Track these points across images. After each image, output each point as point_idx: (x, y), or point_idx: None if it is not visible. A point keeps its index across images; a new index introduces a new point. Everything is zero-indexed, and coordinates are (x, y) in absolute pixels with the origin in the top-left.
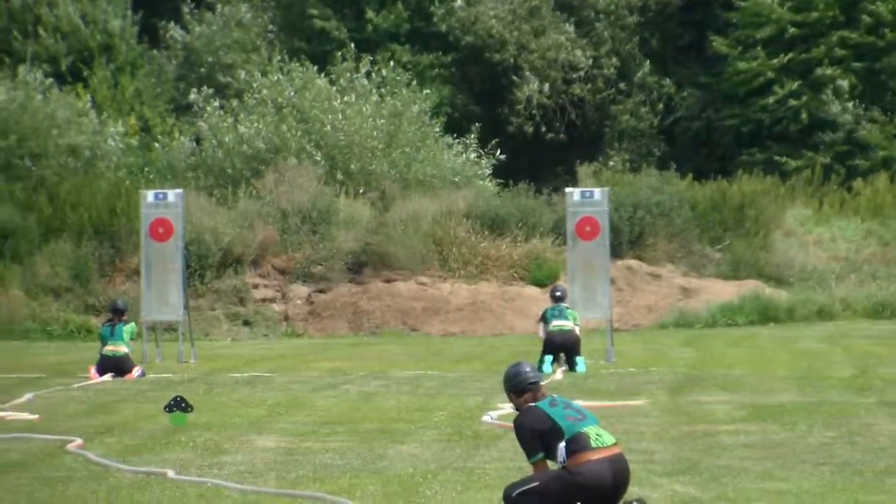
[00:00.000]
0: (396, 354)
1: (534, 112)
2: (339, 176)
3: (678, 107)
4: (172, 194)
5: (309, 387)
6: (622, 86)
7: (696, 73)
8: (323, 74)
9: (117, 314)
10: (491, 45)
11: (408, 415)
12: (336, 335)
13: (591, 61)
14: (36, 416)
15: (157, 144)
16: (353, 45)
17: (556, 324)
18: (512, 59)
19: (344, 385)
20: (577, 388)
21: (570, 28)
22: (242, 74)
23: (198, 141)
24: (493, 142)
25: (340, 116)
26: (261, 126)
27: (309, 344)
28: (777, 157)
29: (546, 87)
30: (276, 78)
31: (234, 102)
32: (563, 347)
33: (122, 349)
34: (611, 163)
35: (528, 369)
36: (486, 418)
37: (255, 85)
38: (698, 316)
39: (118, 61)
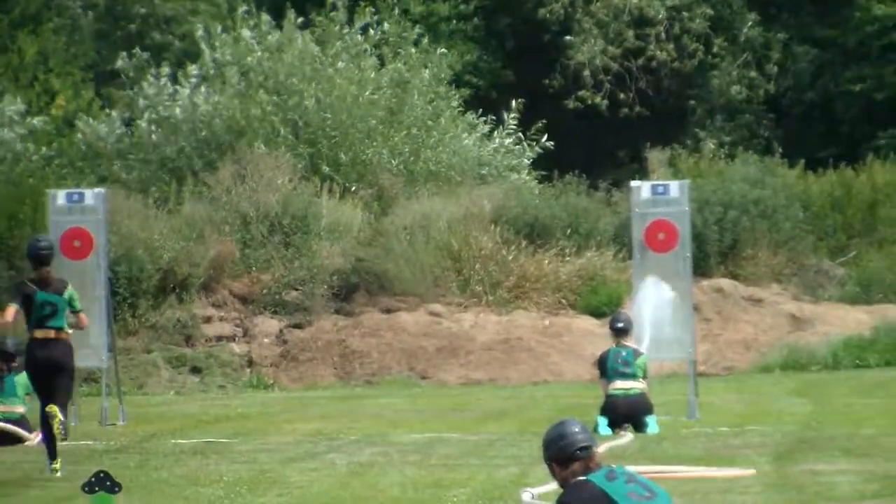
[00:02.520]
0: (400, 411)
1: (593, 80)
2: (325, 168)
3: (786, 72)
4: (91, 194)
5: (281, 457)
6: (716, 44)
7: (807, 23)
8: (303, 30)
9: (5, 360)
10: None
11: (416, 494)
12: (318, 385)
13: (670, 13)
14: None
15: (79, 123)
16: None
17: (619, 386)
18: (562, 11)
19: (328, 454)
20: (647, 453)
21: None
22: (199, 30)
23: (128, 123)
24: (540, 123)
25: (327, 86)
26: (218, 99)
27: (281, 398)
28: None
29: (610, 48)
30: (242, 34)
31: (189, 69)
32: (627, 417)
33: (18, 409)
34: (710, 145)
35: (576, 429)
36: (525, 496)
37: (210, 45)
38: (814, 354)
39: (13, 13)
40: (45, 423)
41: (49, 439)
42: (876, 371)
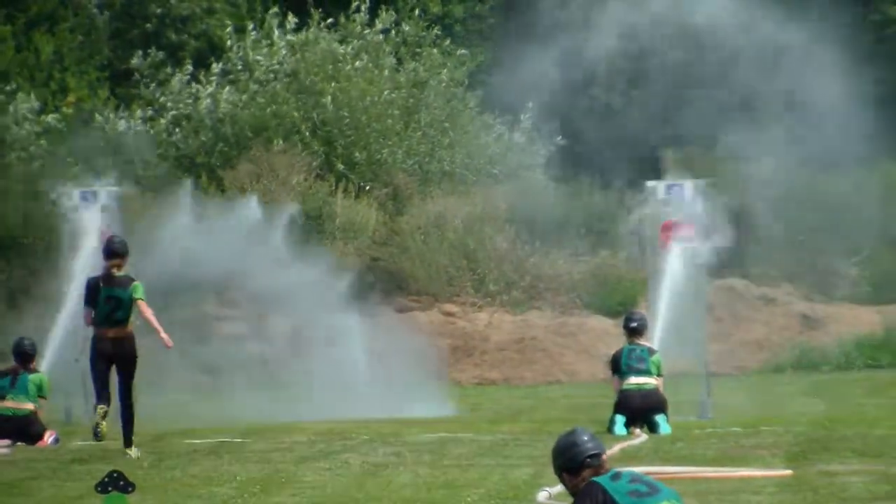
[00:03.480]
0: (414, 410)
1: (608, 78)
2: (341, 167)
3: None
4: (105, 193)
5: (294, 456)
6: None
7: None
8: (324, 29)
9: (23, 360)
10: None
11: (429, 494)
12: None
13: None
14: None
15: (98, 119)
16: None
17: (634, 381)
18: (577, 9)
19: (342, 454)
20: (661, 454)
21: None
22: (228, 27)
23: (147, 121)
24: (554, 122)
25: (346, 85)
26: (242, 97)
27: (295, 397)
28: None
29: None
30: (273, 33)
31: (212, 67)
32: (642, 411)
33: (27, 406)
34: (724, 144)
35: (585, 437)
36: (542, 495)
37: (239, 43)
38: (827, 355)
39: (30, 12)
40: (123, 414)
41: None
42: (888, 371)
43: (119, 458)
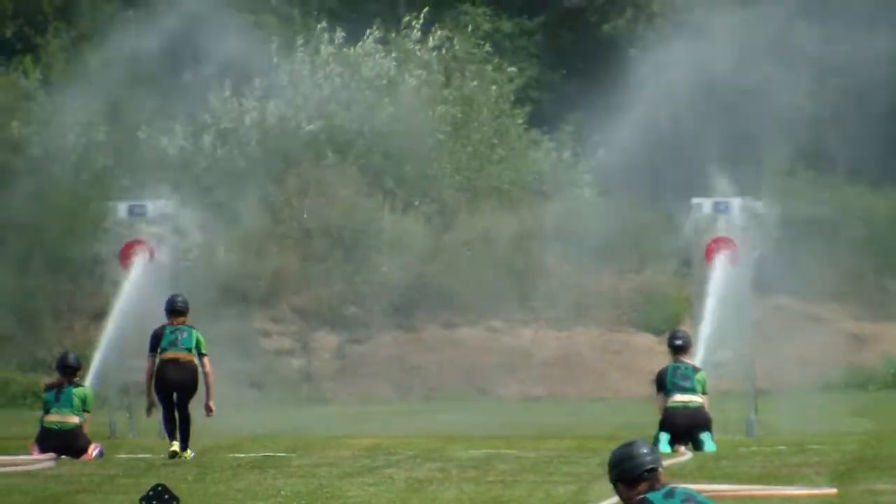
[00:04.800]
0: (459, 426)
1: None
2: (389, 183)
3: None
4: (154, 207)
5: (339, 471)
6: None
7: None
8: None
9: (67, 373)
10: (596, 6)
11: None
12: (376, 400)
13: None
14: None
15: (140, 135)
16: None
17: (678, 399)
18: (624, 24)
19: (387, 469)
20: (706, 471)
21: None
22: (274, 43)
23: (194, 135)
24: (601, 139)
25: (396, 101)
26: (287, 112)
27: (340, 412)
28: None
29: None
30: (320, 49)
31: (255, 82)
32: (687, 429)
33: (72, 419)
34: (772, 162)
35: (644, 450)
36: None
37: (286, 58)
38: (875, 373)
39: (80, 26)
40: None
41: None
42: None
43: (163, 471)
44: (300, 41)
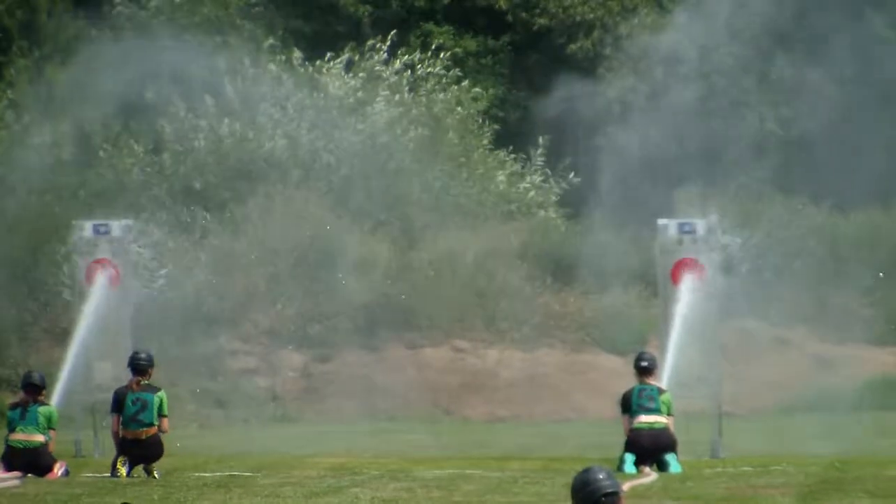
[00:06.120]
0: (424, 446)
1: (622, 117)
2: (354, 202)
3: (816, 111)
4: (118, 226)
5: (304, 491)
6: (744, 84)
7: (838, 62)
8: (333, 62)
9: (32, 391)
10: (563, 27)
11: None
12: (342, 419)
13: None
14: None
15: (101, 154)
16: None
17: (644, 420)
18: (591, 46)
19: (352, 488)
20: (670, 493)
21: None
22: (226, 69)
23: (153, 154)
24: (567, 160)
25: (362, 121)
26: (241, 130)
27: (305, 432)
28: None
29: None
30: (269, 68)
31: (207, 100)
32: (652, 450)
33: (37, 438)
34: (737, 184)
35: (601, 476)
36: None
37: (237, 76)
38: (840, 396)
39: (45, 46)
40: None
41: None
42: None
43: (129, 490)
44: (265, 59)
